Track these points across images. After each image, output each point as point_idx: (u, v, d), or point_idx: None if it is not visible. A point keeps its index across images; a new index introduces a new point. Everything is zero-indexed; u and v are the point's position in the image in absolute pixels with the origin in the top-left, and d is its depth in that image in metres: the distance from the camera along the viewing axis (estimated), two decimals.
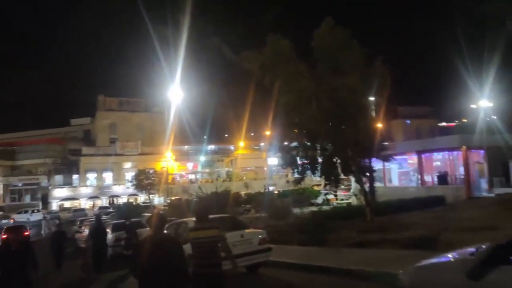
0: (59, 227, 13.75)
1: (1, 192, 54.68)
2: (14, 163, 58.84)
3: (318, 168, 15.97)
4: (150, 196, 44.92)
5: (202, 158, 62.27)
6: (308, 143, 15.56)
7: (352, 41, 14.35)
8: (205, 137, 56.35)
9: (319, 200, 34.93)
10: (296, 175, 17.40)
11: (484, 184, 24.61)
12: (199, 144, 59.57)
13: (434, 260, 4.66)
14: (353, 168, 15.02)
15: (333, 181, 15.88)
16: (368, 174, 16.39)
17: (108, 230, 14.89)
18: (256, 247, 8.55)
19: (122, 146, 57.47)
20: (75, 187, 54.61)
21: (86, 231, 15.80)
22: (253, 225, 11.77)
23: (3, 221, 36.37)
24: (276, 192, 41.40)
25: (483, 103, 35.25)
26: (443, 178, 25.99)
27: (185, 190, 43.44)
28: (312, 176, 18.54)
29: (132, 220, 14.32)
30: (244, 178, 59.44)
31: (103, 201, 51.83)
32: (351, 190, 30.91)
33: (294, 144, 16.57)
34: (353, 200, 28.70)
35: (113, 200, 45.92)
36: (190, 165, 62.70)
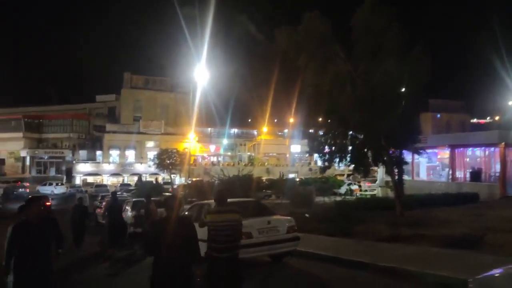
0: (80, 202, 12.78)
1: (28, 164, 56.17)
2: (41, 136, 59.92)
3: (347, 156, 15.26)
4: (172, 176, 45.08)
5: (225, 141, 62.12)
6: (338, 130, 14.81)
7: (395, 22, 13.37)
8: (228, 120, 55.98)
9: (342, 190, 34.13)
10: (321, 163, 16.75)
11: None
12: (222, 127, 59.31)
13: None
14: (385, 158, 14.22)
15: (362, 171, 15.15)
16: (400, 166, 15.50)
17: (128, 208, 14.67)
18: (283, 235, 7.94)
19: (146, 125, 57.82)
20: (98, 163, 55.46)
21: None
22: (279, 211, 11.11)
23: (20, 190, 37.26)
24: (298, 179, 40.86)
25: None
26: (476, 175, 24.67)
27: (206, 172, 43.41)
28: (340, 165, 17.85)
29: (152, 199, 14.03)
30: (266, 163, 59.00)
31: (125, 178, 52.53)
32: (377, 182, 29.96)
33: (323, 130, 15.85)
34: (378, 192, 27.80)
35: (140, 177, 46.21)
36: (212, 148, 62.72)
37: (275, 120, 64.62)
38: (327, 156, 15.35)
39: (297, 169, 57.99)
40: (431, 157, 28.58)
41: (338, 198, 25.28)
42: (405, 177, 23.28)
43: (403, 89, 14.63)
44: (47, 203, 28.57)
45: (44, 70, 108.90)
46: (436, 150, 28.32)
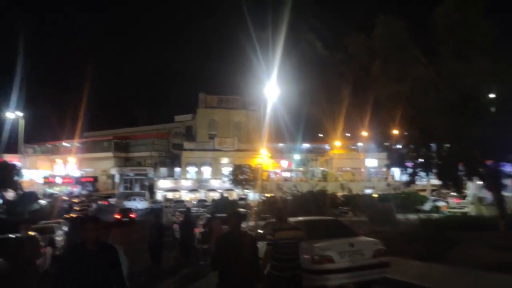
0: (156, 219, 11.10)
1: (117, 180, 61.15)
2: (128, 155, 65.38)
3: (432, 170, 13.81)
4: (245, 191, 45.54)
5: (296, 157, 61.43)
6: (420, 141, 13.49)
7: (482, 19, 11.94)
8: (299, 135, 55.35)
9: (427, 207, 31.32)
10: (403, 177, 15.41)
11: None
12: (294, 142, 58.84)
13: None
14: (480, 171, 12.55)
15: (452, 185, 13.55)
16: (499, 180, 13.59)
17: (201, 224, 14.76)
18: (369, 260, 6.90)
19: (220, 142, 59.67)
20: (177, 179, 58.27)
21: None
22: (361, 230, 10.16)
23: (99, 203, 40.33)
24: (375, 195, 38.63)
25: None
26: None
27: (279, 188, 43.04)
28: (424, 178, 16.30)
29: (217, 215, 13.86)
30: (340, 179, 56.97)
31: (202, 194, 54.30)
32: (467, 198, 26.98)
33: (402, 142, 14.62)
34: (471, 210, 24.95)
35: (222, 194, 47.36)
36: (284, 163, 62.40)
37: (347, 134, 62.47)
38: (409, 170, 14.02)
39: (373, 184, 55.06)
40: None
41: (422, 216, 23.17)
42: (507, 193, 20.64)
43: (497, 91, 12.93)
44: (131, 215, 30.74)
45: (131, 94, 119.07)
46: None
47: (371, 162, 60.48)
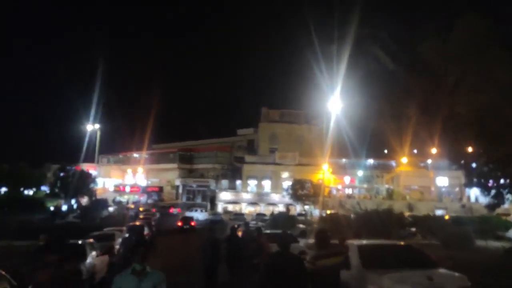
0: (211, 233, 9.82)
1: (181, 191, 63.30)
2: (191, 167, 67.72)
3: None
4: (305, 207, 44.46)
5: (360, 173, 58.98)
6: (509, 158, 11.90)
7: None
8: (364, 150, 53.10)
9: (511, 233, 27.83)
10: (486, 199, 13.71)
11: None
12: (357, 158, 56.60)
13: None
14: None
15: None
16: None
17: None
18: None
19: (281, 156, 59.31)
20: (238, 192, 58.77)
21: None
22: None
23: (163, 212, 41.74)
24: (446, 217, 35.46)
25: None
26: None
27: (341, 205, 41.45)
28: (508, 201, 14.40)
29: (266, 231, 13.19)
30: (408, 197, 53.50)
31: (261, 208, 54.08)
32: None
33: (482, 158, 13.03)
34: None
35: (288, 207, 46.63)
36: (347, 179, 60.19)
37: (415, 151, 58.70)
38: (493, 191, 12.42)
39: (445, 205, 50.82)
40: None
41: (506, 244, 20.54)
42: None
43: None
44: (192, 223, 31.81)
45: (196, 109, 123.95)
46: None
47: (442, 181, 56.13)
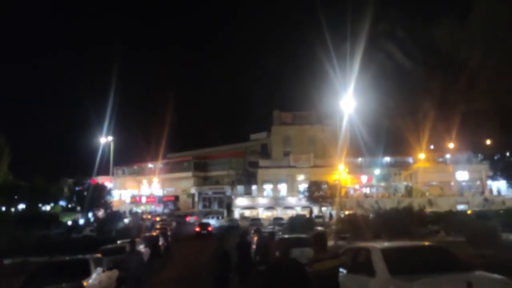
0: (220, 242, 9.06)
1: (196, 199, 63.23)
2: (206, 174, 67.63)
3: None
4: (322, 209, 43.69)
5: (377, 171, 57.88)
6: None
7: None
8: (379, 149, 52.13)
9: None
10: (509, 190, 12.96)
11: None
12: (374, 157, 55.65)
13: None
14: None
15: None
16: None
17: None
18: None
19: (295, 159, 58.67)
20: (253, 197, 58.32)
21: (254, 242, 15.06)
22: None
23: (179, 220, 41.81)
24: (469, 211, 34.28)
25: None
26: None
27: (359, 205, 40.61)
28: None
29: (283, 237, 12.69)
30: (427, 194, 52.17)
31: (278, 212, 53.47)
32: None
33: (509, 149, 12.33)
34: None
35: (311, 210, 45.90)
36: (364, 178, 59.16)
37: (431, 146, 57.41)
38: None
39: (467, 199, 49.32)
40: None
41: None
42: None
43: None
44: (209, 228, 32.87)
45: (209, 116, 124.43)
46: None
47: (462, 175, 54.56)
